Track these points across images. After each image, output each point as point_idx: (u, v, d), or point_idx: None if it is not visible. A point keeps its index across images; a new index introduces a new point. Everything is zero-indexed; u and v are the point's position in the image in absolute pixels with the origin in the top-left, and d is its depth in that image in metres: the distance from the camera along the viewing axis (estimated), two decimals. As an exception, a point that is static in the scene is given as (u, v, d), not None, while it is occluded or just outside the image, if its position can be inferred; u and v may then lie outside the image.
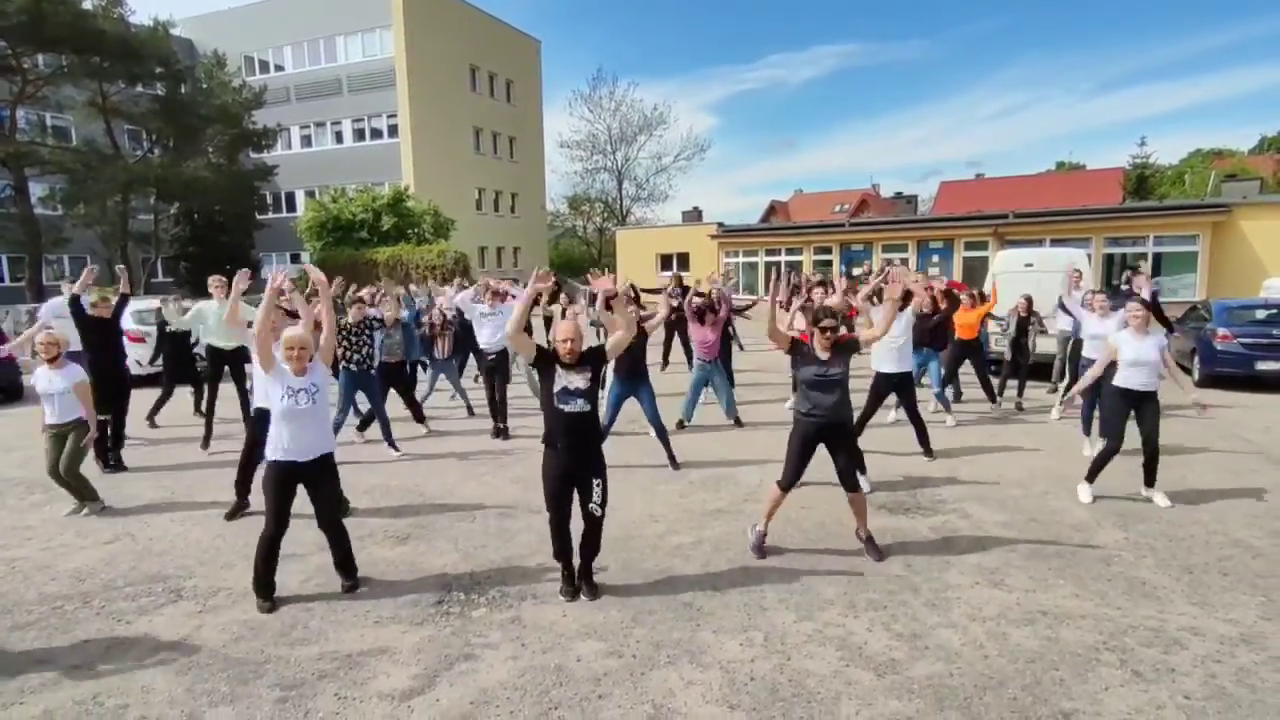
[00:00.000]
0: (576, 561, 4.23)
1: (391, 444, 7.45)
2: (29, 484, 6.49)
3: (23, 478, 6.75)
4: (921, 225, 25.42)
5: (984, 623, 3.84)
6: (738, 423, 8.50)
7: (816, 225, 28.99)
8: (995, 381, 9.45)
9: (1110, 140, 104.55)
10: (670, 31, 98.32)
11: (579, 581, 4.24)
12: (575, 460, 4.05)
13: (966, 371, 9.40)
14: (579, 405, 4.00)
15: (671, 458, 6.83)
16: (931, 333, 8.35)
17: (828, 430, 4.61)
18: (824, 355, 4.55)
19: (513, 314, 4.20)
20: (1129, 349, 5.67)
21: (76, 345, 6.80)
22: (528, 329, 9.32)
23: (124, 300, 7.37)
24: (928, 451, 7.02)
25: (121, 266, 8.07)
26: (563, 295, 11.65)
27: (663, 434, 6.86)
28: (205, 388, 8.06)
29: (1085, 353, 7.05)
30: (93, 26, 22.32)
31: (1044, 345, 10.15)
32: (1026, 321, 9.36)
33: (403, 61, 31.78)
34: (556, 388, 3.99)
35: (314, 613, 4.08)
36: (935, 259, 22.84)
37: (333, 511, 4.37)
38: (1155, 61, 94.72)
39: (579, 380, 4.00)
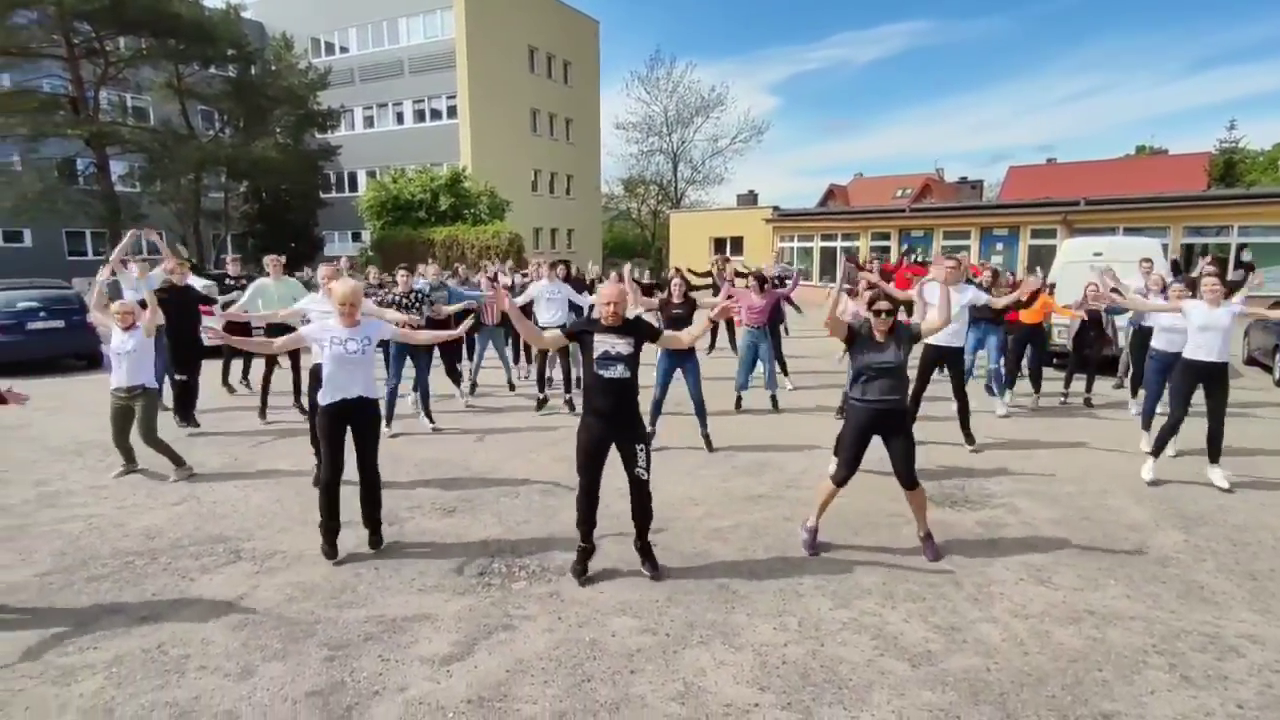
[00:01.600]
0: (636, 535, 4.27)
1: (429, 416, 7.63)
2: (106, 446, 6.86)
3: (101, 440, 7.14)
4: (985, 211, 24.52)
5: (1026, 620, 3.76)
6: (774, 403, 8.48)
7: (875, 210, 28.32)
8: (1056, 375, 9.13)
9: (1198, 124, 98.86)
10: (732, 11, 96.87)
11: (639, 556, 4.29)
12: (614, 426, 4.04)
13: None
14: (619, 371, 3.98)
15: (707, 439, 6.83)
16: (993, 309, 8.11)
17: (884, 418, 4.41)
18: (881, 340, 4.41)
19: (519, 328, 4.24)
20: (1199, 315, 5.53)
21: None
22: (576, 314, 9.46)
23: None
24: (968, 438, 6.84)
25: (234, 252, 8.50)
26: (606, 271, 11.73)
27: (702, 412, 6.83)
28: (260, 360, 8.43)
29: (1155, 344, 6.71)
30: (169, 10, 23.15)
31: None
32: (1098, 313, 8.91)
33: (463, 43, 32.09)
34: (597, 352, 3.97)
35: (362, 578, 4.25)
36: (999, 247, 22.09)
37: (372, 456, 4.59)
38: (1251, 39, 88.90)
39: (621, 345, 3.97)
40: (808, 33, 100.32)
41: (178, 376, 7.74)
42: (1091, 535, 4.86)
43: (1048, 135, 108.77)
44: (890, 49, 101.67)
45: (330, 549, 4.47)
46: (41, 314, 11.34)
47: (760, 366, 8.48)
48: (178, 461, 6.11)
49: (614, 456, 4.14)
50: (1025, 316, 8.53)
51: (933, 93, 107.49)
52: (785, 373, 9.74)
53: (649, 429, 6.59)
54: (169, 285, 7.63)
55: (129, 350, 5.93)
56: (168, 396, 7.79)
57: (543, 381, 8.45)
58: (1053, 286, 9.96)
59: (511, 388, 9.57)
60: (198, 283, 8.88)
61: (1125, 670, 3.31)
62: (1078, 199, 21.43)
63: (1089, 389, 8.97)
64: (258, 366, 9.42)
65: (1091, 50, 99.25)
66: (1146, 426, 6.86)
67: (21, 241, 27.72)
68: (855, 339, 4.49)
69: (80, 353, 11.55)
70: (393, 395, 7.38)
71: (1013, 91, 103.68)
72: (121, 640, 3.60)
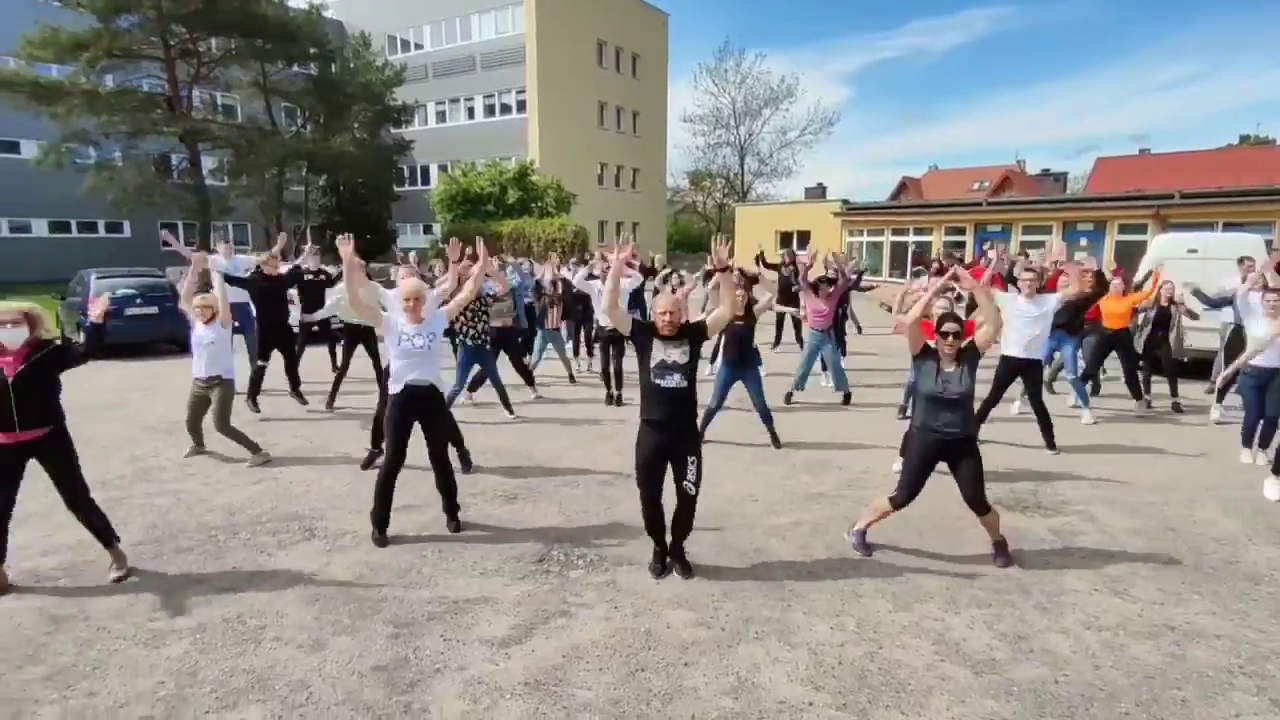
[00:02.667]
0: (669, 538, 4.26)
1: (508, 407, 7.82)
2: (194, 426, 7.29)
3: (190, 420, 7.58)
4: (1069, 205, 23.36)
5: (1100, 632, 3.59)
6: (846, 399, 8.43)
7: (949, 204, 27.38)
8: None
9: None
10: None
11: (670, 560, 4.26)
12: (670, 436, 4.02)
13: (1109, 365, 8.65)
14: (676, 380, 3.96)
15: (774, 437, 6.78)
16: (1070, 315, 7.72)
17: (950, 446, 4.23)
18: (949, 367, 4.19)
19: (605, 292, 4.27)
20: None
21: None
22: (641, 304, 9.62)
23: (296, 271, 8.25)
24: (1050, 444, 6.59)
25: (309, 238, 9.00)
26: (675, 275, 11.69)
27: (768, 419, 6.78)
28: (340, 350, 8.74)
29: (1252, 361, 6.21)
30: (257, 11, 24.33)
31: (1202, 340, 9.19)
32: (1168, 313, 8.40)
33: (532, 38, 32.53)
34: (654, 362, 3.98)
35: (427, 559, 4.39)
36: (1083, 242, 21.04)
37: (442, 446, 4.76)
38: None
39: (677, 354, 3.96)
40: (885, 19, 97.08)
41: (259, 362, 8.12)
42: (1175, 547, 4.61)
43: (1141, 124, 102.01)
44: (971, 35, 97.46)
45: (380, 538, 4.60)
46: (138, 300, 12.08)
47: (824, 366, 8.49)
48: (253, 448, 6.34)
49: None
50: (1109, 321, 8.09)
51: (1016, 80, 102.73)
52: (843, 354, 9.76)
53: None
54: (262, 275, 8.00)
55: (209, 342, 6.25)
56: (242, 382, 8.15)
57: (608, 378, 8.57)
58: (1143, 281, 9.40)
59: (572, 380, 9.70)
60: (285, 267, 9.25)
61: (1207, 690, 3.13)
62: (1172, 191, 20.21)
63: (1174, 392, 8.46)
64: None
65: (1194, 33, 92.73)
66: (1247, 443, 6.44)
67: (121, 232, 29.64)
68: (925, 356, 4.29)
69: (173, 338, 12.24)
70: (452, 398, 7.59)
71: (1104, 78, 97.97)
72: (205, 609, 3.82)
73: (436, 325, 4.69)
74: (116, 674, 3.26)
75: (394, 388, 4.63)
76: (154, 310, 12.06)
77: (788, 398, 8.35)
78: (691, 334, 4.05)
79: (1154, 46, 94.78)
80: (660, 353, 3.98)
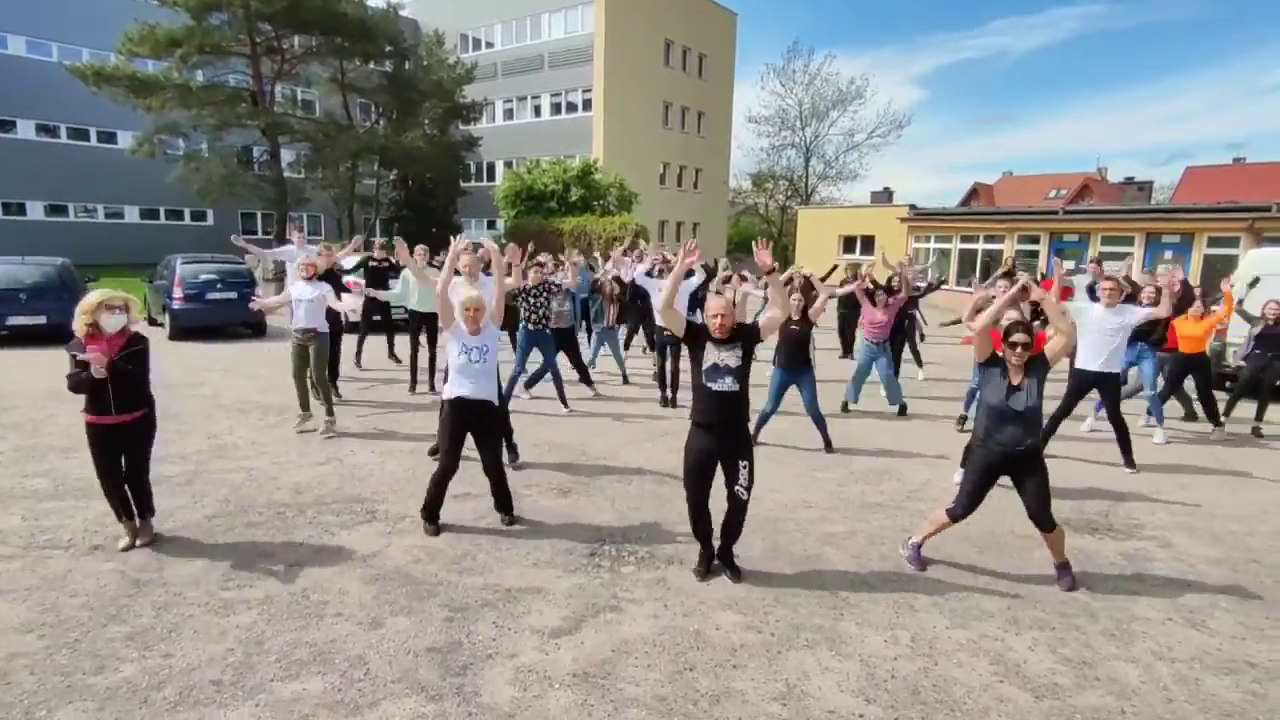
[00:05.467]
0: (716, 543, 4.23)
1: (564, 401, 7.91)
2: (266, 407, 7.61)
3: (264, 402, 7.92)
4: (1153, 216, 22.21)
5: (1173, 663, 3.42)
6: (902, 410, 8.19)
7: (1023, 211, 26.37)
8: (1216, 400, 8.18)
9: None
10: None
11: (719, 563, 4.24)
12: (721, 440, 3.98)
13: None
14: (728, 384, 3.91)
15: (827, 441, 6.70)
16: (1150, 324, 7.34)
17: (1014, 460, 4.09)
18: (1015, 379, 4.05)
19: (664, 290, 4.26)
20: None
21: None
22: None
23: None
24: (1129, 462, 6.31)
25: (384, 241, 9.40)
26: (736, 277, 11.60)
27: (820, 422, 6.70)
28: (409, 339, 9.00)
29: None
30: (338, 10, 25.17)
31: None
32: (1276, 333, 7.88)
33: (601, 38, 32.74)
34: (706, 364, 3.94)
35: (481, 547, 4.48)
36: (1168, 255, 20.00)
37: (495, 458, 4.85)
38: None
39: (729, 357, 3.91)
40: (965, 18, 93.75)
41: None
42: (1260, 580, 4.35)
43: (1239, 131, 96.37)
44: (1057, 35, 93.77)
45: (431, 529, 4.70)
46: (219, 285, 12.68)
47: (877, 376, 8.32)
48: (329, 410, 6.87)
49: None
50: (1185, 345, 7.65)
51: (1103, 83, 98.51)
52: (920, 364, 9.94)
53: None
54: (313, 270, 8.29)
55: (309, 299, 6.80)
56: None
57: (663, 381, 8.57)
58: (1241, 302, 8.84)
59: (625, 380, 9.73)
60: (352, 260, 9.55)
61: (1291, 733, 2.95)
62: (1270, 203, 19.03)
63: (1259, 416, 7.95)
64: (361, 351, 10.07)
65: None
66: None
67: (205, 220, 31.19)
68: (993, 365, 4.16)
69: (249, 322, 12.80)
70: (513, 381, 7.70)
71: (1201, 81, 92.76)
72: (272, 582, 3.98)
73: (490, 338, 4.74)
74: (190, 638, 3.43)
75: (448, 394, 4.70)
76: (233, 295, 12.61)
77: (844, 406, 8.21)
78: (744, 336, 3.99)
79: (1260, 48, 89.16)
80: (713, 355, 3.94)
